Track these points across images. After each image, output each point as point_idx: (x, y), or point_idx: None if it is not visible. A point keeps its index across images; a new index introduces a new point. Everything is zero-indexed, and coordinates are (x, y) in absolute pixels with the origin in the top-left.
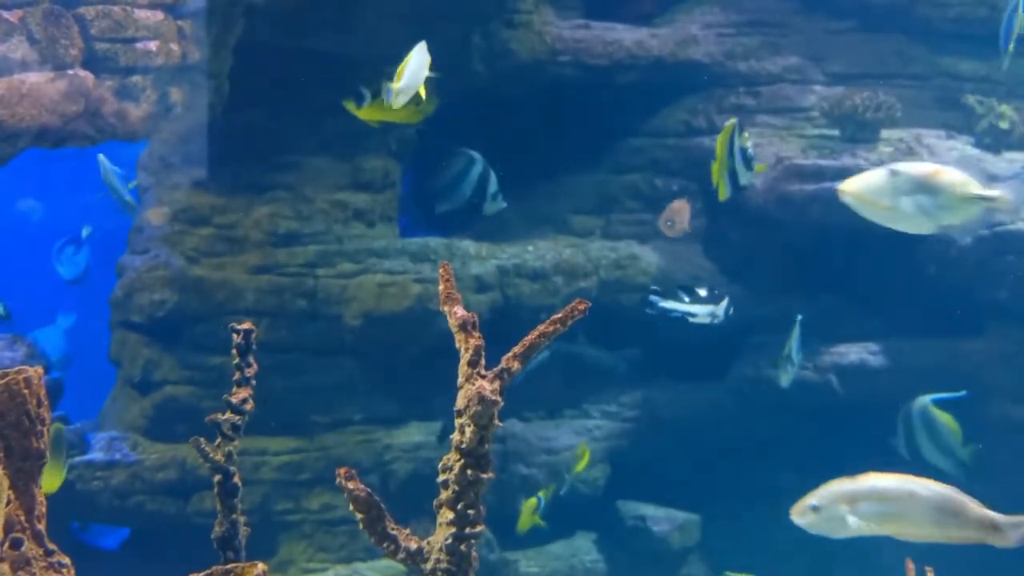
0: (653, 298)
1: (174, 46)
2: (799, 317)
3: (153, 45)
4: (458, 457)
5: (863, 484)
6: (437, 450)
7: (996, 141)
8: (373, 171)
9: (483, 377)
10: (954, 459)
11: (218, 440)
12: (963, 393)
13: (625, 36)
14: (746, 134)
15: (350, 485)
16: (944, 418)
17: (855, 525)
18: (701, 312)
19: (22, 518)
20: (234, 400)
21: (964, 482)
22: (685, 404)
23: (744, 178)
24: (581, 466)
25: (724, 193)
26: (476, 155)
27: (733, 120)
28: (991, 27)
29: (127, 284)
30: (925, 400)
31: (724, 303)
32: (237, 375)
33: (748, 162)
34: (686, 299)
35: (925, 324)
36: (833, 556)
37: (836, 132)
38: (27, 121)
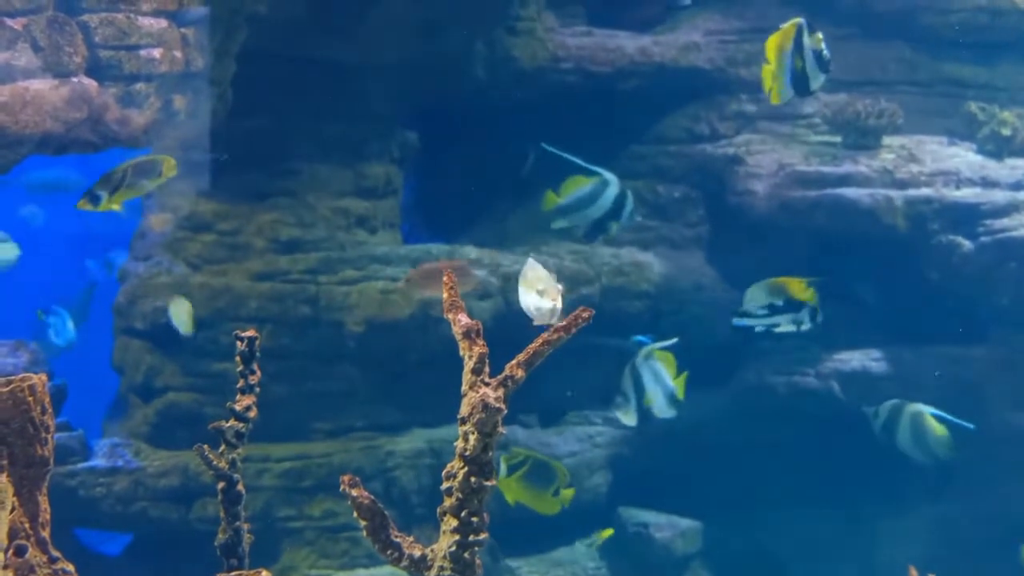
0: (735, 320)
1: (177, 53)
2: (636, 338)
3: (157, 52)
4: (462, 464)
5: None
6: (440, 457)
7: (998, 148)
8: (375, 178)
9: (487, 385)
10: (932, 457)
11: (222, 447)
12: (971, 427)
13: (627, 43)
14: (819, 34)
15: (354, 492)
16: (936, 428)
17: None
18: (783, 321)
19: (26, 525)
20: (238, 407)
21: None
22: (688, 411)
23: (816, 82)
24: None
25: (778, 97)
26: (611, 177)
27: (798, 19)
28: (993, 34)
29: (130, 291)
30: (921, 409)
31: (806, 309)
32: (241, 382)
33: (824, 64)
34: (765, 313)
35: (927, 331)
36: (835, 561)
37: (838, 139)
38: (30, 128)
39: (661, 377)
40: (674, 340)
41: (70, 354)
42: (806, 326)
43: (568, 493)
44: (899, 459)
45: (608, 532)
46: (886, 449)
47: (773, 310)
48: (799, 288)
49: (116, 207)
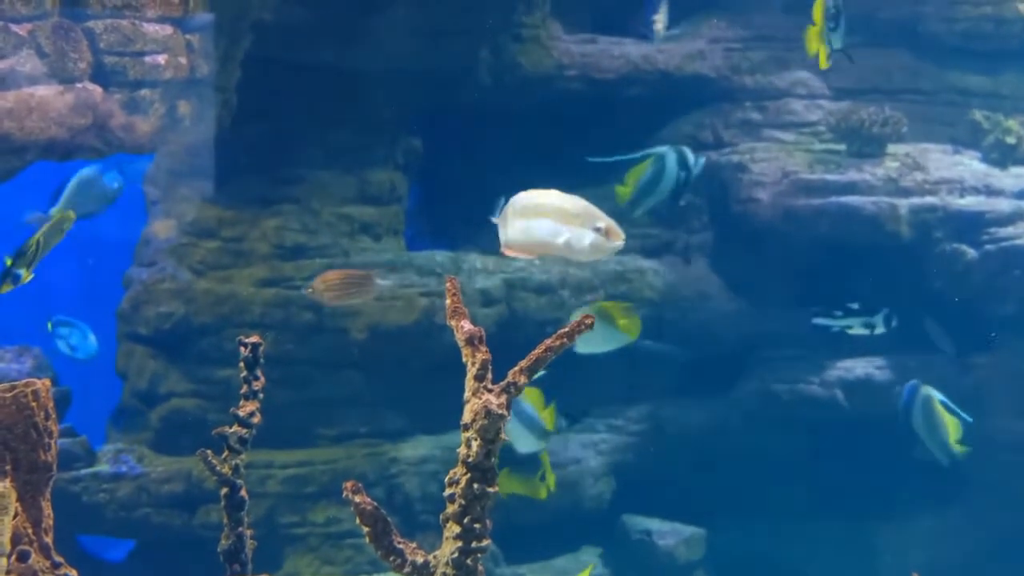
0: (815, 319)
1: (182, 60)
2: None
3: (161, 59)
4: (464, 471)
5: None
6: (443, 464)
7: (1003, 156)
8: (380, 184)
9: (490, 391)
10: (939, 446)
11: (225, 453)
12: (970, 420)
13: (632, 50)
14: None
15: (357, 498)
16: (947, 419)
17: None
18: (856, 324)
19: (29, 531)
20: (241, 413)
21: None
22: (691, 418)
23: (837, 42)
24: None
25: (825, 62)
26: (663, 149)
27: None
28: (997, 42)
29: (134, 296)
30: (932, 393)
31: (881, 314)
32: (244, 388)
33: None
34: (842, 314)
35: (931, 339)
36: (838, 569)
37: (843, 147)
38: (35, 134)
39: (524, 413)
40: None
41: (86, 363)
42: (880, 330)
43: (552, 478)
44: (902, 467)
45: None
46: (903, 433)
47: (849, 312)
48: None
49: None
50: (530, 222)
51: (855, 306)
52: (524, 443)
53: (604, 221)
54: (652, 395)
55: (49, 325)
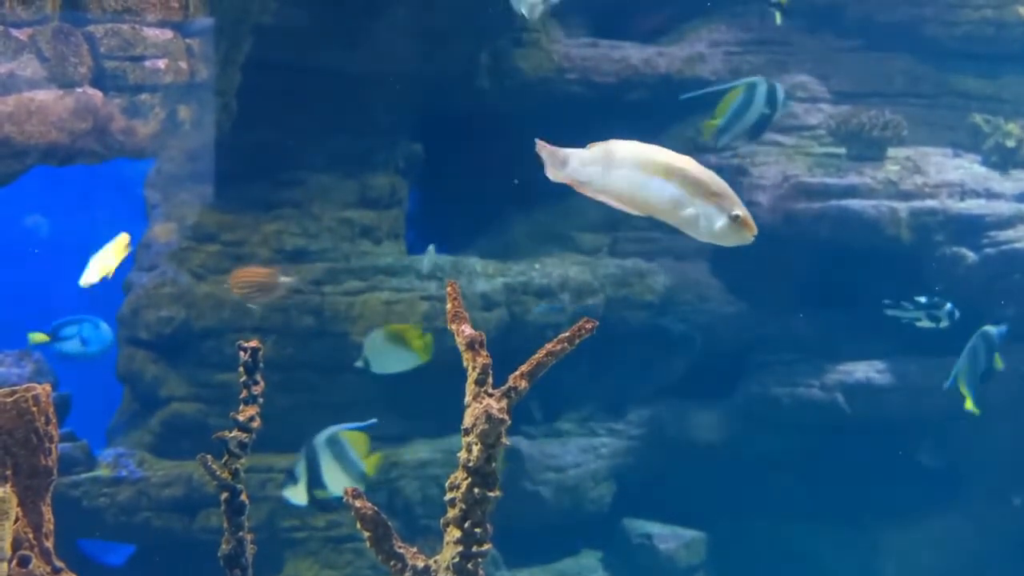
0: (887, 310)
1: (183, 64)
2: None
3: (162, 63)
4: (465, 475)
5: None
6: (444, 468)
7: (1003, 159)
8: (380, 188)
9: (490, 395)
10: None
11: (225, 458)
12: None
13: (632, 54)
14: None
15: (357, 503)
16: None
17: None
18: (924, 316)
19: (30, 535)
20: (241, 418)
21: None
22: (691, 422)
23: None
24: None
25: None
26: (756, 79)
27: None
28: (998, 46)
29: (134, 301)
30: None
31: (946, 307)
32: (244, 393)
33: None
34: (910, 307)
35: (931, 342)
36: (839, 573)
37: (843, 150)
38: (35, 138)
39: (347, 458)
40: (371, 421)
41: (101, 355)
42: (944, 323)
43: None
44: (904, 470)
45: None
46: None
47: (917, 306)
48: None
49: None
50: (646, 179)
51: (922, 300)
52: (339, 487)
53: (741, 209)
54: (653, 398)
55: (48, 337)
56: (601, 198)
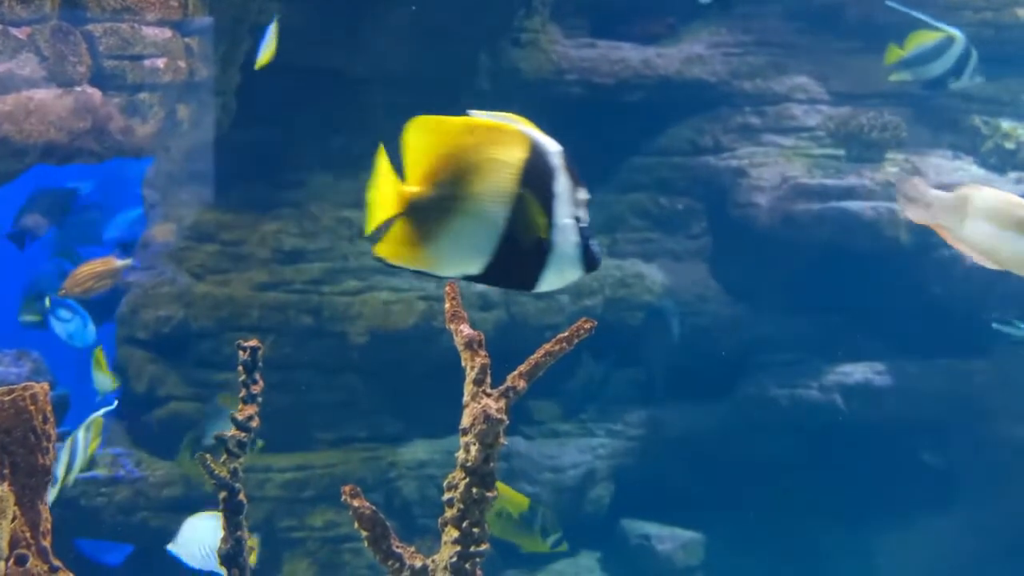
0: (995, 324)
1: (182, 63)
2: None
3: (161, 62)
4: (463, 475)
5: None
6: (442, 468)
7: (1002, 162)
8: None
9: (489, 395)
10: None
11: (223, 457)
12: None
13: (631, 55)
14: None
15: (355, 503)
16: None
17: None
18: None
19: (27, 534)
20: (240, 417)
21: None
22: (690, 423)
23: None
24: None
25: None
26: (958, 34)
27: None
28: (998, 48)
29: (132, 300)
30: None
31: None
32: (243, 392)
33: None
34: (1022, 325)
35: (931, 344)
36: (837, 575)
37: (842, 152)
38: (34, 137)
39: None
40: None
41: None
42: None
43: (556, 536)
44: (902, 471)
45: None
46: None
47: None
48: None
49: None
50: (1002, 234)
51: None
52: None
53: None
54: (651, 399)
55: (47, 301)
56: (960, 248)
